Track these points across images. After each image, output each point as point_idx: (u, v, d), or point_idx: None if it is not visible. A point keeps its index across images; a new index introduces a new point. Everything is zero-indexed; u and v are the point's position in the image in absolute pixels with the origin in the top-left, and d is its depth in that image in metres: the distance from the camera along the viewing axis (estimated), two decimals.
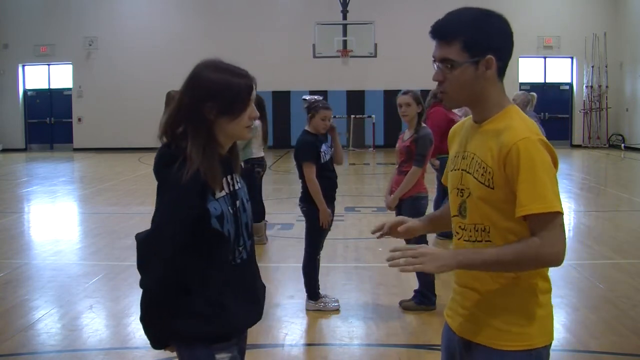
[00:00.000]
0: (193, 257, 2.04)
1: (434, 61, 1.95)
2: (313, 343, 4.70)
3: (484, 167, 1.90)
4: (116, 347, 4.60)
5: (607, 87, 21.45)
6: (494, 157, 1.87)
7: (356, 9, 19.09)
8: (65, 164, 19.05)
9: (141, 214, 9.81)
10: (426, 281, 5.18)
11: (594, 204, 11.17)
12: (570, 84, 22.36)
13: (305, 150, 5.09)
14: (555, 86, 22.23)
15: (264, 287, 2.31)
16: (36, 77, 22.89)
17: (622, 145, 20.74)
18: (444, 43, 1.90)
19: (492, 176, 1.87)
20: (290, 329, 4.78)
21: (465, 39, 1.87)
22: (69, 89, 22.59)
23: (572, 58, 22.09)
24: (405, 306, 5.21)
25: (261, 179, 7.68)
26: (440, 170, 7.17)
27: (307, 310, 5.19)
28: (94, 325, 4.98)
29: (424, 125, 5.30)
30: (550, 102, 21.52)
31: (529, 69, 21.59)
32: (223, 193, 2.08)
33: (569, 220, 9.72)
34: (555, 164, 1.90)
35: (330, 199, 5.19)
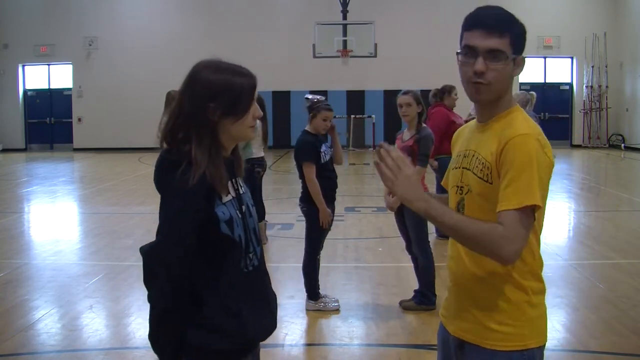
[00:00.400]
0: (204, 266, 1.95)
1: (463, 51, 1.91)
2: (313, 343, 4.70)
3: (483, 163, 1.91)
4: (116, 347, 4.60)
5: (607, 87, 21.45)
6: (492, 153, 1.89)
7: (356, 9, 19.09)
8: (65, 164, 19.05)
9: (141, 214, 9.82)
10: (426, 281, 5.18)
11: (594, 204, 11.17)
12: (570, 84, 22.36)
13: (305, 150, 5.09)
14: (555, 86, 22.23)
15: (275, 295, 2.20)
16: (36, 77, 22.89)
17: (622, 145, 20.74)
18: (497, 34, 1.89)
19: (490, 171, 1.89)
20: (290, 329, 4.78)
21: (514, 35, 1.91)
22: (69, 89, 22.60)
23: (572, 58, 22.10)
24: (405, 306, 5.21)
25: (261, 179, 7.68)
26: (439, 172, 7.16)
27: (307, 310, 5.19)
28: (94, 325, 4.98)
29: (424, 125, 5.30)
30: (550, 102, 21.53)
31: (529, 69, 21.53)
32: (229, 197, 2.00)
33: (569, 220, 9.72)
34: (551, 164, 1.90)
35: (330, 199, 5.19)
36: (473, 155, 1.97)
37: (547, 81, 22.18)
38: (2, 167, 17.86)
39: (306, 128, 5.18)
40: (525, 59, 1.96)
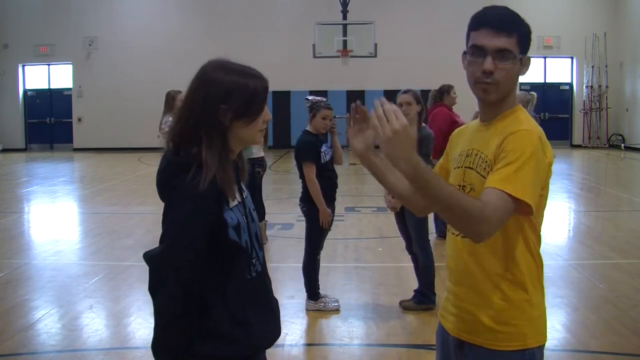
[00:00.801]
0: (211, 273, 1.88)
1: (471, 51, 1.91)
2: (313, 343, 4.70)
3: (486, 162, 1.91)
4: (116, 347, 4.60)
5: (607, 87, 21.45)
6: (493, 150, 1.88)
7: (356, 9, 19.08)
8: (65, 164, 19.05)
9: (141, 214, 9.82)
10: (426, 280, 5.18)
11: (594, 204, 11.17)
12: (570, 84, 22.36)
13: (305, 150, 5.09)
14: (555, 86, 22.23)
15: (277, 301, 2.14)
16: (36, 77, 22.89)
17: (622, 145, 20.74)
18: (505, 34, 1.89)
19: (491, 168, 1.88)
20: (290, 329, 4.78)
21: (521, 35, 1.91)
22: (69, 89, 22.60)
23: (572, 58, 22.10)
24: (405, 306, 5.21)
25: (261, 179, 7.69)
26: None
27: (307, 310, 5.19)
28: (94, 325, 4.98)
29: (424, 125, 5.30)
30: (550, 102, 21.53)
31: (529, 69, 21.48)
32: (236, 202, 1.95)
33: (569, 220, 9.72)
34: (550, 165, 1.89)
35: (330, 199, 5.19)
36: (476, 155, 1.96)
37: (547, 81, 22.19)
38: (2, 167, 17.86)
39: (307, 128, 5.18)
40: (531, 59, 1.97)
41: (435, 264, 5.27)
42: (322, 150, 5.12)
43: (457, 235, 2.00)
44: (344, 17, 18.98)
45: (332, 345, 4.59)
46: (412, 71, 20.17)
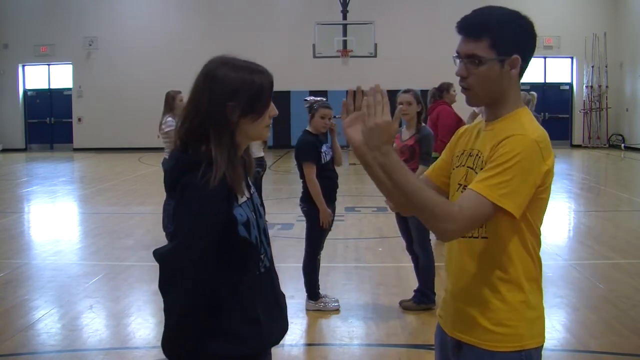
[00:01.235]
0: (222, 269, 1.88)
1: (457, 56, 1.93)
2: (313, 343, 4.70)
3: (484, 162, 1.91)
4: (116, 347, 4.60)
5: (607, 87, 21.45)
6: (488, 153, 1.88)
7: (356, 9, 19.09)
8: (65, 164, 19.05)
9: (141, 214, 9.82)
10: (426, 280, 5.18)
11: (594, 204, 11.17)
12: (570, 84, 22.37)
13: (305, 150, 5.09)
14: (555, 86, 22.23)
15: (284, 295, 2.14)
16: (36, 77, 22.89)
17: (622, 145, 20.74)
18: (472, 39, 1.88)
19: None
20: (290, 329, 4.73)
21: (495, 37, 1.87)
22: (69, 89, 22.60)
23: (572, 58, 22.10)
24: (405, 306, 5.21)
25: (261, 179, 7.69)
26: None
27: (307, 310, 5.19)
28: (94, 325, 4.98)
29: (424, 124, 5.30)
30: (550, 102, 21.53)
31: (529, 69, 21.37)
32: (244, 198, 1.95)
33: (569, 220, 9.72)
34: (549, 171, 1.86)
35: (330, 199, 5.19)
36: (477, 155, 1.96)
37: (547, 81, 22.19)
38: (2, 167, 17.86)
39: (307, 128, 5.18)
40: (517, 57, 1.90)
41: (436, 264, 5.27)
42: (322, 150, 5.12)
43: None
44: (344, 17, 18.98)
45: (332, 345, 4.59)
46: (412, 71, 20.16)
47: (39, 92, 22.97)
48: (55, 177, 15.54)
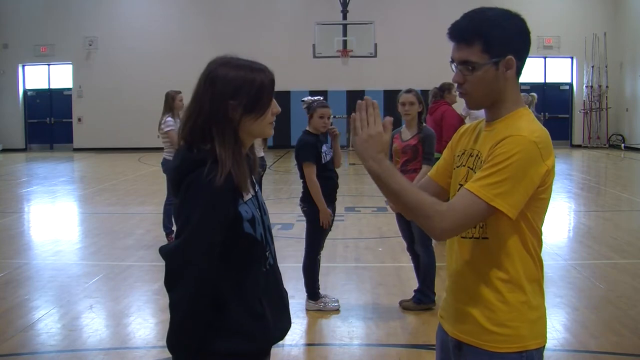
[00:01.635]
0: (227, 267, 1.90)
1: (452, 62, 1.94)
2: (313, 343, 4.70)
3: (482, 162, 1.90)
4: (116, 347, 4.60)
5: (607, 87, 21.45)
6: (487, 153, 1.88)
7: (356, 9, 19.09)
8: (65, 164, 19.05)
9: (141, 214, 9.82)
10: (427, 279, 5.18)
11: (594, 204, 11.17)
12: (570, 84, 22.37)
13: (305, 150, 5.09)
14: (555, 86, 22.24)
15: (287, 292, 2.17)
16: (36, 77, 22.89)
17: (622, 145, 20.74)
18: (464, 45, 1.88)
19: None
20: (291, 328, 4.77)
21: (486, 40, 1.86)
22: (69, 89, 22.60)
23: (572, 58, 22.10)
24: (405, 306, 5.21)
25: (261, 179, 7.68)
26: None
27: (307, 310, 5.19)
28: (94, 325, 4.98)
29: (425, 125, 5.31)
30: (550, 102, 21.54)
31: (529, 69, 21.46)
32: (250, 195, 1.98)
33: (569, 220, 9.72)
34: (549, 171, 1.86)
35: (331, 199, 5.19)
36: (477, 156, 1.96)
37: (547, 81, 22.19)
38: (2, 167, 17.87)
39: (306, 128, 5.18)
40: (511, 57, 1.88)
41: (437, 264, 5.26)
42: (322, 150, 5.12)
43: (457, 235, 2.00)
44: (344, 17, 18.98)
45: (332, 345, 4.59)
46: (412, 71, 20.17)
47: (39, 92, 22.97)
48: (55, 177, 15.54)
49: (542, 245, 1.96)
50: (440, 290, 5.16)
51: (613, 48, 21.13)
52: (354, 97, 21.78)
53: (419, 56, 20.65)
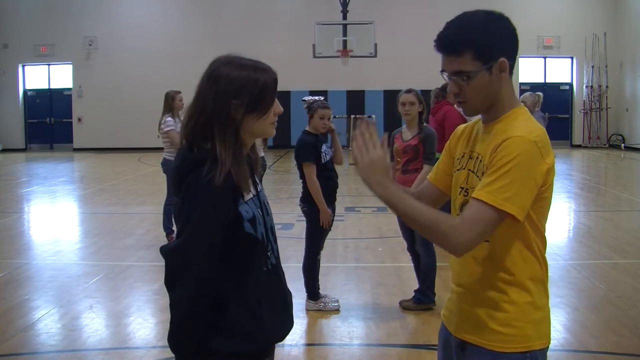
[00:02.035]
0: (229, 268, 1.90)
1: (442, 71, 1.94)
2: (313, 343, 4.70)
3: (485, 167, 1.90)
4: (116, 347, 4.60)
5: (607, 87, 21.45)
6: (489, 157, 1.87)
7: (356, 9, 19.09)
8: (65, 164, 19.05)
9: (141, 214, 9.82)
10: (427, 280, 5.18)
11: (594, 204, 11.17)
12: (570, 84, 22.37)
13: (305, 150, 5.09)
14: (555, 86, 22.22)
15: (291, 293, 2.16)
16: (36, 77, 22.89)
17: (622, 145, 20.74)
18: (454, 56, 1.86)
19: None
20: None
21: (476, 48, 1.84)
22: (69, 89, 22.60)
23: (572, 58, 22.10)
24: (405, 306, 5.21)
25: (261, 179, 7.68)
26: None
27: (307, 310, 5.19)
28: (94, 325, 4.98)
29: (426, 125, 5.30)
30: (550, 102, 21.45)
31: (529, 69, 21.57)
32: (251, 195, 1.97)
33: (569, 220, 9.72)
34: (550, 170, 1.85)
35: (331, 199, 5.19)
36: (477, 158, 1.95)
37: (547, 81, 22.17)
38: (2, 167, 17.87)
39: (306, 128, 5.18)
40: (503, 59, 1.87)
41: (437, 264, 5.26)
42: (322, 150, 5.12)
43: None
44: (344, 17, 18.98)
45: (332, 345, 4.59)
46: (412, 71, 20.16)
47: (39, 92, 22.97)
48: (55, 177, 15.54)
49: (546, 245, 1.96)
50: (441, 290, 5.16)
51: (613, 48, 21.13)
52: (354, 97, 21.83)
53: (419, 56, 20.57)
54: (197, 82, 1.99)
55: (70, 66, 22.42)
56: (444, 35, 1.89)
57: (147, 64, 21.55)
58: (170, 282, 1.87)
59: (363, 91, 21.87)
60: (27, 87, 22.93)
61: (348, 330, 4.82)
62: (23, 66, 22.65)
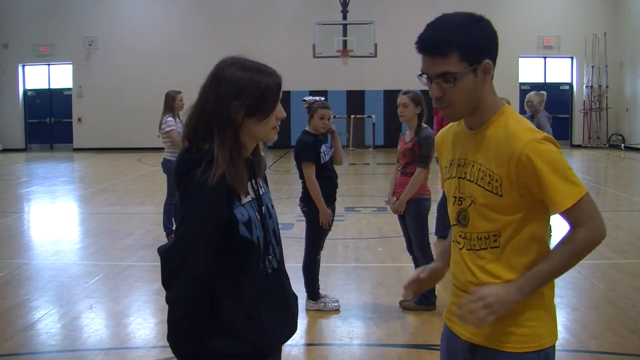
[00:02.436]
0: (223, 269, 1.91)
1: (421, 75, 1.90)
2: (313, 343, 4.70)
3: (490, 175, 1.87)
4: (116, 347, 4.60)
5: (607, 87, 21.45)
6: (501, 165, 1.84)
7: (356, 9, 19.09)
8: (65, 164, 19.05)
9: (141, 214, 9.82)
10: None
11: None
12: (570, 84, 22.37)
13: (304, 150, 5.09)
14: (555, 86, 22.21)
15: (296, 297, 2.15)
16: (36, 77, 22.89)
17: (622, 145, 20.74)
18: (439, 57, 1.82)
19: (500, 184, 1.85)
20: None
21: (462, 49, 1.81)
22: (69, 89, 22.60)
23: (572, 58, 22.10)
24: (405, 306, 5.20)
25: (265, 181, 7.68)
26: None
27: (307, 310, 5.19)
28: (94, 325, 4.98)
29: (424, 126, 5.29)
30: (550, 102, 21.15)
31: (529, 69, 21.59)
32: (249, 198, 1.96)
33: None
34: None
35: (330, 199, 5.18)
36: (472, 165, 1.92)
37: (547, 81, 22.17)
38: (2, 167, 17.87)
39: (306, 128, 5.18)
40: (488, 61, 1.85)
41: None
42: (321, 150, 5.12)
43: (461, 249, 1.97)
44: (344, 17, 18.98)
45: (332, 345, 4.60)
46: (412, 71, 19.78)
47: (39, 92, 22.97)
48: (55, 177, 15.54)
49: (551, 237, 1.97)
50: (441, 291, 5.16)
51: (613, 48, 21.13)
52: (354, 97, 21.83)
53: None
54: (197, 82, 2.00)
55: (70, 66, 22.43)
56: (427, 36, 1.86)
57: (147, 64, 21.56)
58: (167, 281, 1.88)
59: (363, 91, 21.87)
60: (27, 87, 22.93)
61: (348, 330, 4.82)
62: (23, 66, 22.66)
